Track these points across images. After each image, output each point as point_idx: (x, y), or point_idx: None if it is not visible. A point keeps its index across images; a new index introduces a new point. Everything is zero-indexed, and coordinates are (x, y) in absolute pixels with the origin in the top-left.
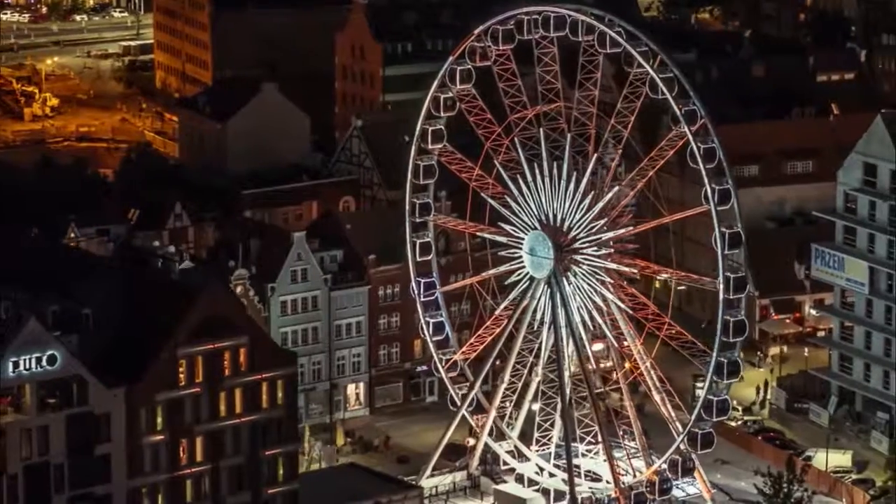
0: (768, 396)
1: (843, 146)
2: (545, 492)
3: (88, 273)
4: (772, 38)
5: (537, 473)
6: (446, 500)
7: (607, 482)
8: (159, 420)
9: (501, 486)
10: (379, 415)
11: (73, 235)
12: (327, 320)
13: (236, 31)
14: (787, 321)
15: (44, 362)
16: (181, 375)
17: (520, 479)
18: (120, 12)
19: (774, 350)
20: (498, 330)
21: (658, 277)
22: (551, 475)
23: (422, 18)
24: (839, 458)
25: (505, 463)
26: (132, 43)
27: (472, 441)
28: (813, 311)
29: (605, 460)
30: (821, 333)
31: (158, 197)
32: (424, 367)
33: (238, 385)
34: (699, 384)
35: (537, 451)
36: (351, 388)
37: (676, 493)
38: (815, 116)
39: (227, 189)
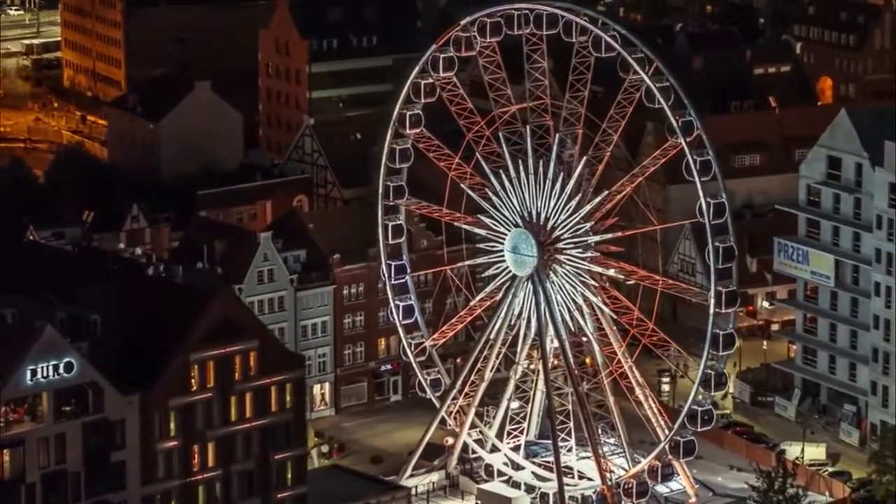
0: (731, 390)
1: (788, 139)
2: (516, 485)
3: (88, 277)
4: (703, 30)
5: (506, 465)
6: (427, 500)
7: (587, 479)
8: (172, 426)
9: (485, 486)
10: (344, 414)
11: (32, 238)
12: (293, 321)
13: (149, 28)
14: (741, 314)
15: (61, 370)
16: (193, 381)
17: (489, 470)
18: (16, 10)
19: None
20: (469, 318)
21: (606, 272)
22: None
23: (347, 15)
24: (814, 451)
25: (473, 452)
26: (34, 41)
27: (450, 440)
28: (766, 304)
29: (580, 458)
30: (775, 326)
31: (114, 197)
32: (389, 366)
33: (248, 389)
34: (664, 379)
35: (508, 444)
36: (317, 389)
37: (660, 489)
38: (754, 110)
39: (179, 189)
